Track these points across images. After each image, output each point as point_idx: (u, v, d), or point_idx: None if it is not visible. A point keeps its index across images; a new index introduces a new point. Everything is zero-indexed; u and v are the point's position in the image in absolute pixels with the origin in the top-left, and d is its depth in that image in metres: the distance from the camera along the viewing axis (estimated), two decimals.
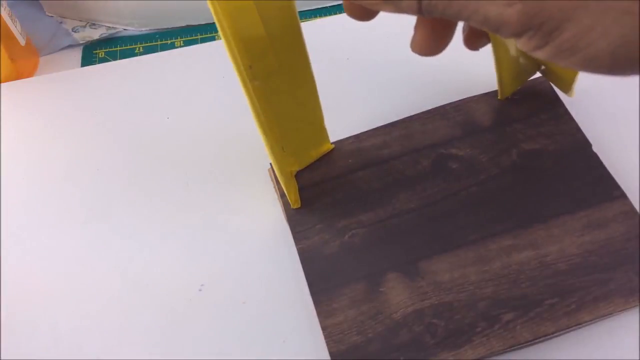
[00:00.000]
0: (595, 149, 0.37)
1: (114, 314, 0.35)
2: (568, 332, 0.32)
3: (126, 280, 0.36)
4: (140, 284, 0.36)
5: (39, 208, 0.40)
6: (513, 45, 0.35)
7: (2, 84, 0.45)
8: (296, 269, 0.35)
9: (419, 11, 0.24)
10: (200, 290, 0.36)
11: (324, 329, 0.32)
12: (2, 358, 0.34)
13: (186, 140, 0.42)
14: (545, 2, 0.21)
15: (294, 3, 0.28)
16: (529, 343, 0.31)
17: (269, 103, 0.30)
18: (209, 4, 0.24)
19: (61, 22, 0.50)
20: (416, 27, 0.28)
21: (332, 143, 0.38)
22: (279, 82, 0.30)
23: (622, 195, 0.35)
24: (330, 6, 0.50)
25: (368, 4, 0.25)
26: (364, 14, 0.27)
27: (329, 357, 0.31)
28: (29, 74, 0.48)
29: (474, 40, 0.30)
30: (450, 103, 0.39)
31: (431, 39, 0.28)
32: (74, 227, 0.39)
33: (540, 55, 0.23)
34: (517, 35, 0.22)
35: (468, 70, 0.41)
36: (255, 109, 0.28)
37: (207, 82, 0.44)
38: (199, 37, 0.49)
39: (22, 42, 0.46)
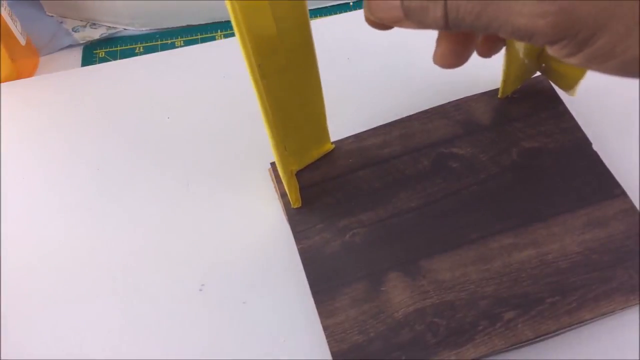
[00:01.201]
0: (595, 147, 0.37)
1: (114, 314, 0.35)
2: (569, 330, 0.32)
3: (126, 280, 0.36)
4: (141, 284, 0.36)
5: (39, 207, 0.40)
6: (522, 47, 0.35)
7: (2, 84, 0.45)
8: (296, 268, 0.35)
9: (445, 26, 0.23)
10: (200, 290, 0.36)
11: (325, 328, 0.32)
12: (2, 358, 0.34)
13: (186, 140, 0.42)
14: (579, 11, 0.21)
15: (305, 3, 0.28)
16: (531, 341, 0.31)
17: (275, 101, 0.30)
18: (227, 3, 0.24)
19: (61, 22, 0.50)
20: (438, 41, 0.28)
21: (332, 143, 0.38)
22: (286, 80, 0.30)
23: (623, 194, 0.35)
24: (330, 6, 0.50)
25: (388, 22, 0.25)
26: (383, 26, 0.27)
27: (329, 357, 0.31)
28: (29, 74, 0.48)
29: (489, 48, 0.30)
30: (450, 102, 0.39)
31: (454, 51, 0.28)
32: (73, 227, 0.39)
33: (572, 61, 0.23)
34: (551, 43, 0.22)
35: (467, 69, 0.40)
36: (264, 107, 0.28)
37: (207, 82, 0.44)
38: (199, 37, 0.49)
39: (22, 42, 0.46)
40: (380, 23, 0.26)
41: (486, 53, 0.30)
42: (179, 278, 0.36)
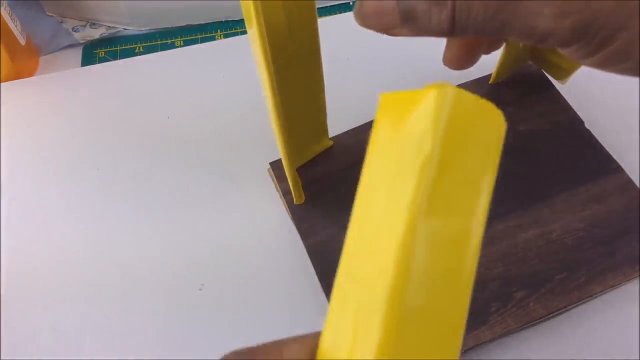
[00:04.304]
0: (586, 126, 0.38)
1: (114, 313, 0.35)
2: (579, 304, 0.33)
3: (126, 279, 0.36)
4: (141, 283, 0.36)
5: (39, 207, 0.39)
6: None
7: (2, 84, 0.45)
8: (297, 267, 0.35)
9: (450, 30, 0.21)
10: (200, 289, 0.36)
11: None
12: (2, 358, 0.34)
13: (186, 140, 0.42)
14: (602, 10, 0.20)
15: None
16: (544, 319, 0.32)
17: (281, 94, 0.30)
18: None
19: (61, 22, 0.50)
20: (448, 45, 0.27)
21: (330, 139, 0.38)
22: (292, 73, 0.30)
23: (619, 169, 0.36)
24: (330, 6, 0.50)
25: (380, 29, 0.23)
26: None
27: None
28: (29, 74, 0.47)
29: (491, 47, 0.30)
30: None
31: (465, 54, 0.27)
32: (74, 227, 0.38)
33: (587, 63, 0.22)
34: (566, 45, 0.21)
35: None
36: (275, 98, 0.28)
37: (207, 82, 0.44)
38: (199, 37, 0.49)
39: (22, 41, 0.46)
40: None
41: (488, 51, 0.30)
42: (178, 277, 0.36)
